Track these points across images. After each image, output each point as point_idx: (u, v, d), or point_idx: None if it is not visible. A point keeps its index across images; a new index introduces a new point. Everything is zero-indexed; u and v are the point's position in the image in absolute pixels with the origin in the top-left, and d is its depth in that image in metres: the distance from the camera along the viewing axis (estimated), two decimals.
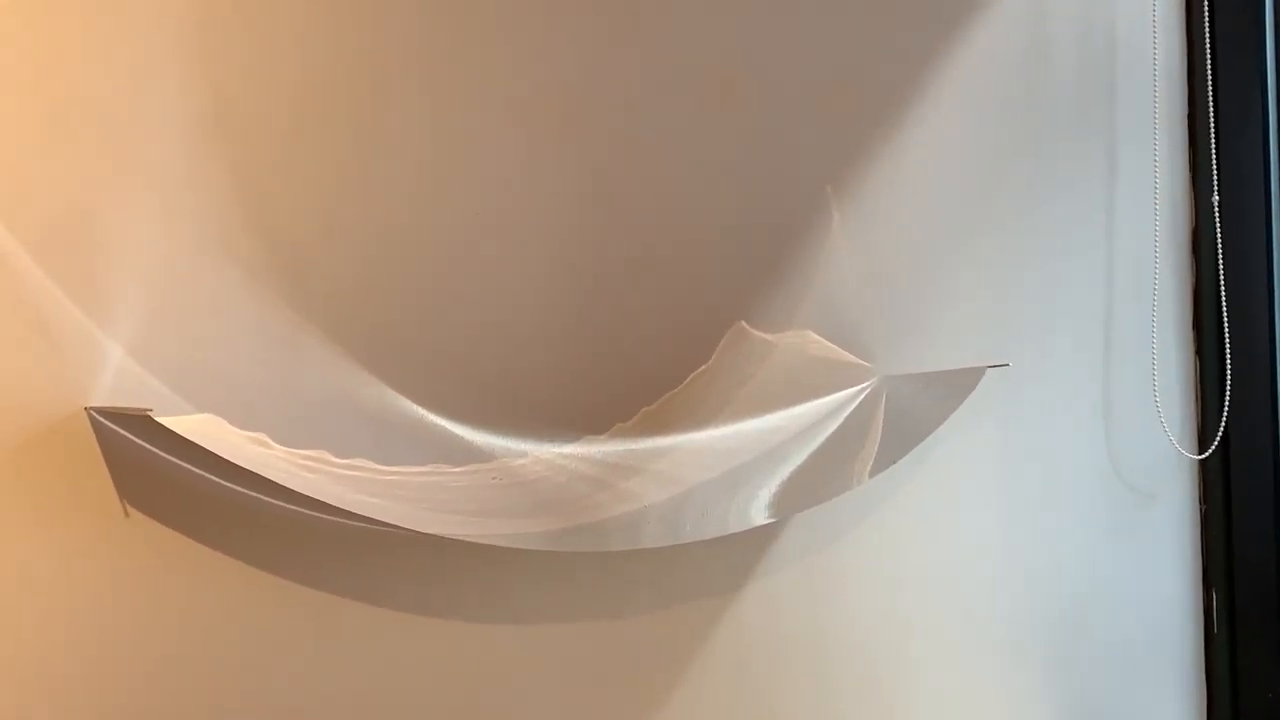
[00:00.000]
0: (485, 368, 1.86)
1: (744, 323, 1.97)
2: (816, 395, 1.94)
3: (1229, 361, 2.19)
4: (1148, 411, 2.19)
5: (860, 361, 1.99)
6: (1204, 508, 2.24)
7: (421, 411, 1.81)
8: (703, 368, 1.95)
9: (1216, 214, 2.17)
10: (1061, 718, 2.17)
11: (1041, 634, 2.16)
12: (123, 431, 1.65)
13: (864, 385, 1.96)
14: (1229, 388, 2.18)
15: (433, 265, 1.86)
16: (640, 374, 1.93)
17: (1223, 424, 2.18)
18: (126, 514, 1.66)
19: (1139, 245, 2.20)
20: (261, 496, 1.69)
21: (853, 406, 1.94)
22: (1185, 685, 2.25)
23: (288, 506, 1.69)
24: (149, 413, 1.60)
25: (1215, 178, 2.18)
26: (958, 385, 1.97)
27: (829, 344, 2.00)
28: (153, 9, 1.72)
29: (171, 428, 1.59)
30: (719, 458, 1.88)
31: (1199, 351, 2.24)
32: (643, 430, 1.90)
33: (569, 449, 1.86)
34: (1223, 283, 2.17)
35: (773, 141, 2.01)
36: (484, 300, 1.88)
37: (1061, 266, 2.17)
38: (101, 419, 1.64)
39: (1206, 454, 2.21)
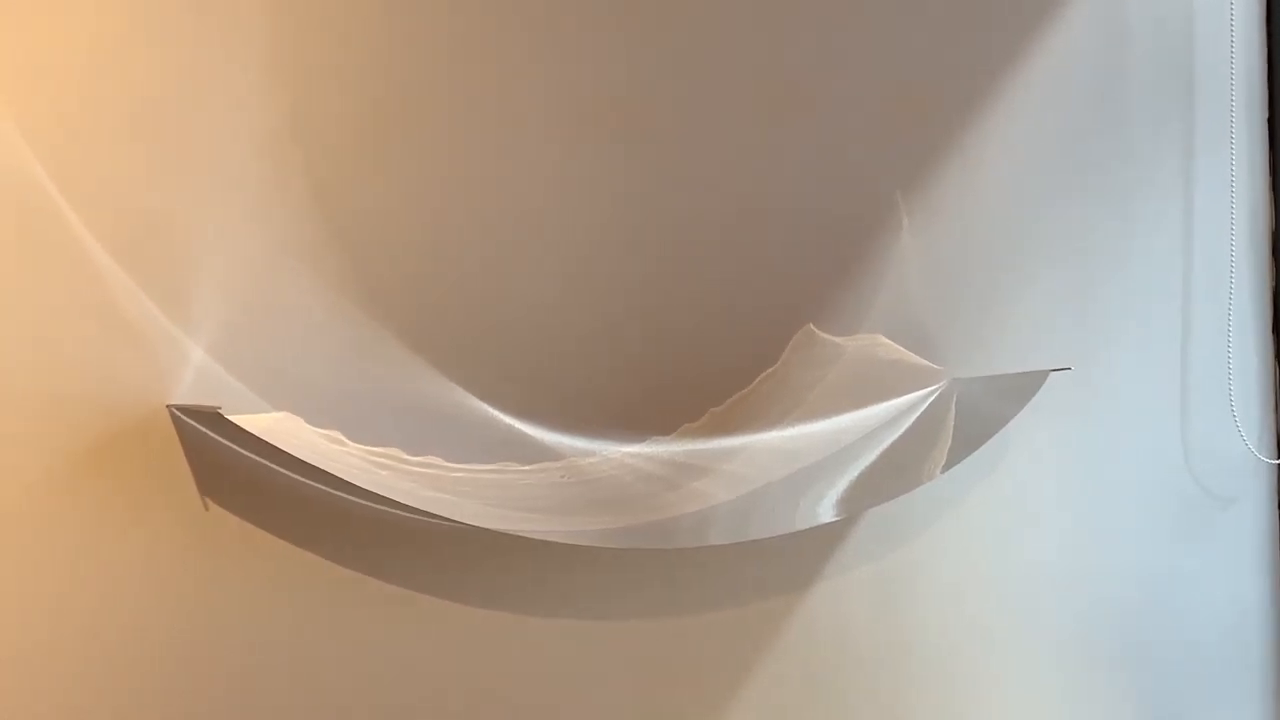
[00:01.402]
0: (554, 369, 1.87)
1: (813, 325, 1.97)
2: (886, 397, 1.94)
3: None
4: (1224, 415, 2.17)
5: (929, 364, 1.98)
6: (1279, 514, 2.22)
7: (491, 411, 1.82)
8: (771, 369, 1.95)
9: None
10: (1136, 715, 2.16)
11: (1112, 638, 2.14)
12: (202, 429, 1.66)
13: (933, 388, 1.95)
14: None
15: (502, 271, 1.86)
16: (708, 375, 1.93)
17: None
18: (206, 508, 1.68)
19: (1216, 248, 2.18)
20: (336, 492, 1.69)
21: (923, 408, 1.93)
22: (1260, 691, 2.23)
23: (360, 502, 1.70)
24: (218, 410, 1.61)
25: None
26: (1025, 387, 1.95)
27: (898, 346, 1.99)
28: (233, 32, 1.75)
29: (243, 426, 1.61)
30: (787, 458, 1.87)
31: (1278, 355, 2.23)
32: (710, 431, 1.89)
33: (637, 449, 1.87)
34: None
35: (842, 146, 2.01)
36: (554, 304, 1.88)
37: (1136, 269, 2.15)
38: (182, 416, 1.66)
39: None
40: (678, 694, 1.92)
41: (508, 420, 1.81)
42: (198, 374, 1.68)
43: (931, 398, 1.93)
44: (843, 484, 1.86)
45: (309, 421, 1.69)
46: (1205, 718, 2.19)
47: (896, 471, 1.89)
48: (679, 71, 1.93)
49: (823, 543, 1.95)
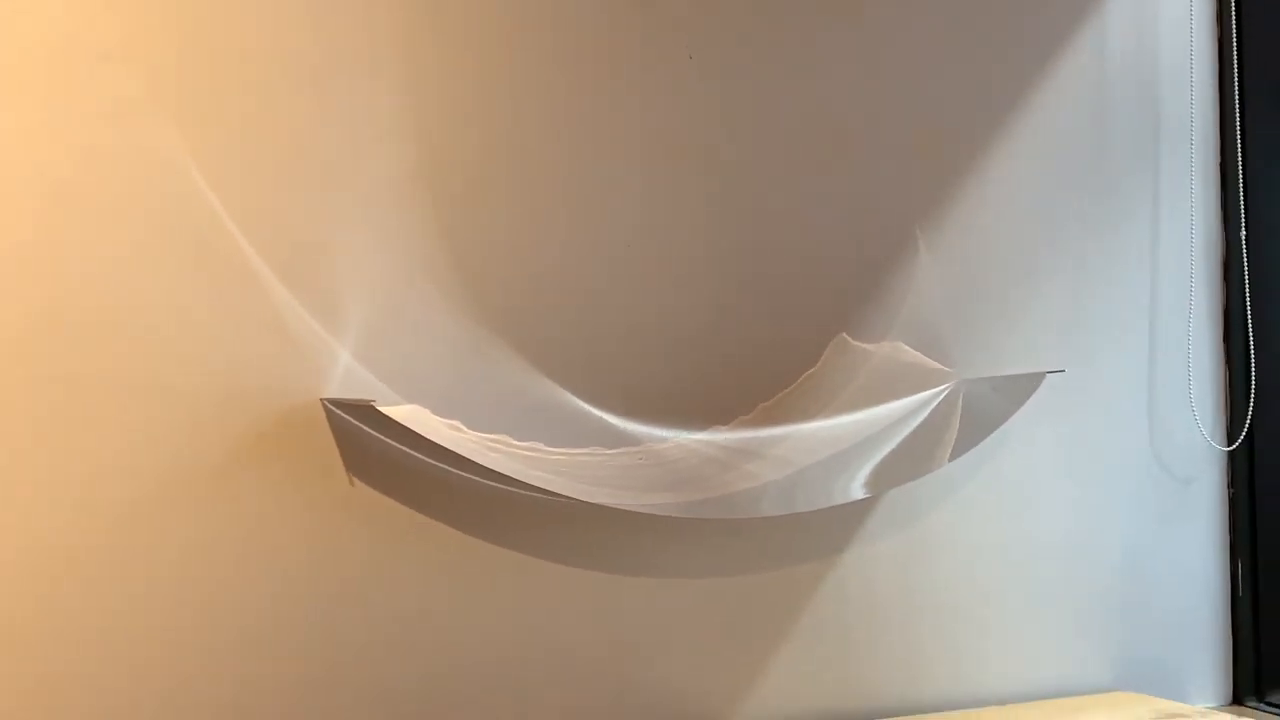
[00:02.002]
0: (633, 369, 1.87)
1: (846, 335, 1.97)
2: (906, 394, 1.93)
3: (1253, 369, 2.16)
4: (1184, 410, 2.17)
5: (942, 367, 1.98)
6: (1231, 491, 2.21)
7: (582, 404, 1.82)
8: (811, 370, 1.95)
9: (1244, 246, 2.16)
10: (1112, 667, 2.13)
11: (1094, 595, 2.13)
12: (348, 418, 1.67)
13: (945, 386, 1.94)
14: (1253, 391, 2.16)
15: (592, 287, 1.87)
16: (759, 375, 1.93)
17: (1248, 421, 2.16)
18: (351, 483, 1.70)
19: (1178, 271, 2.18)
20: (456, 471, 1.70)
21: (935, 404, 1.92)
22: (1215, 639, 2.20)
23: (476, 479, 1.71)
24: (372, 403, 1.63)
25: (1243, 217, 2.17)
26: (1022, 387, 1.95)
27: (917, 352, 1.99)
28: (374, 93, 1.76)
29: (388, 414, 1.63)
30: (825, 444, 1.86)
31: (1228, 361, 2.21)
32: (761, 422, 1.89)
33: (700, 436, 1.86)
34: (1248, 303, 2.16)
35: (870, 183, 2.01)
36: (632, 314, 1.88)
37: (1112, 288, 2.15)
38: (333, 408, 1.67)
39: (1234, 446, 2.19)
40: (733, 640, 1.91)
41: (596, 413, 1.82)
42: (345, 373, 1.70)
43: (942, 395, 1.93)
44: (870, 467, 1.86)
45: (435, 412, 1.71)
46: (1171, 660, 2.17)
47: (914, 458, 1.89)
48: (746, 126, 1.94)
49: (852, 517, 1.96)
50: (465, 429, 1.72)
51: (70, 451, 1.61)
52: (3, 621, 1.58)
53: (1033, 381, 1.93)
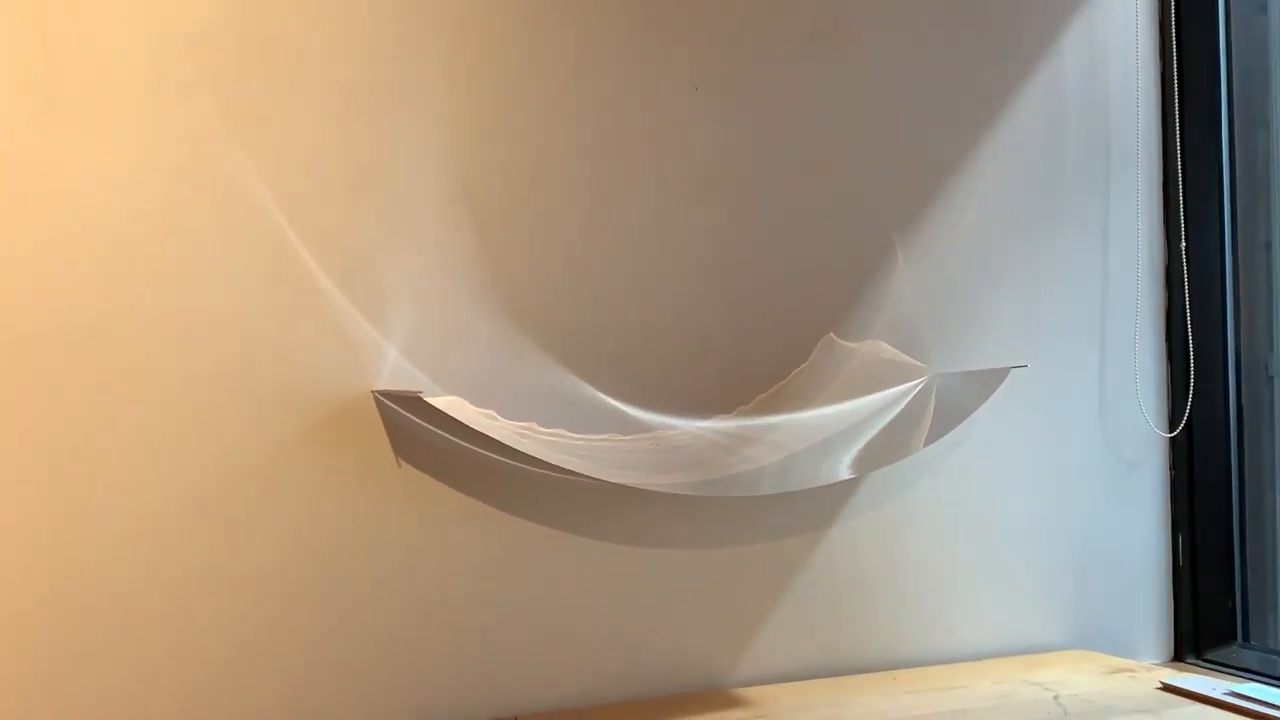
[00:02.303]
0: (646, 365, 1.89)
1: (833, 335, 1.99)
2: (886, 387, 1.93)
3: (1192, 366, 2.16)
4: (1131, 402, 2.18)
5: (918, 363, 1.98)
6: (1173, 473, 2.21)
7: (601, 396, 1.85)
8: (802, 366, 1.96)
9: (1184, 256, 2.16)
10: (1069, 626, 2.14)
11: (1053, 561, 2.14)
12: (396, 407, 1.71)
13: (920, 380, 1.94)
14: (1192, 385, 2.16)
15: (609, 293, 1.89)
16: (756, 370, 1.94)
17: (1187, 411, 2.16)
18: (399, 465, 1.73)
19: (1126, 278, 2.18)
20: (490, 454, 1.73)
21: (912, 395, 1.93)
22: (1159, 603, 2.21)
23: (508, 461, 1.74)
24: (420, 394, 1.66)
25: (1183, 229, 2.17)
26: (989, 380, 1.95)
27: (895, 350, 2.00)
28: (422, 122, 1.79)
29: (432, 404, 1.66)
30: (815, 431, 1.87)
31: (1170, 358, 2.21)
32: (758, 411, 1.90)
33: (705, 424, 1.87)
34: (1188, 307, 2.16)
35: (854, 201, 2.02)
36: (645, 317, 1.90)
37: (1068, 293, 2.15)
38: (382, 398, 1.71)
39: (1175, 433, 2.19)
40: (733, 603, 1.93)
41: (613, 403, 1.84)
42: (393, 368, 1.74)
43: (918, 388, 1.93)
44: (854, 451, 1.86)
45: (472, 403, 1.73)
46: (1121, 622, 2.17)
47: (893, 443, 1.89)
48: (746, 150, 1.95)
49: (839, 495, 1.97)
50: (499, 417, 1.75)
51: (159, 434, 1.63)
52: (92, 575, 1.60)
53: (998, 376, 1.93)
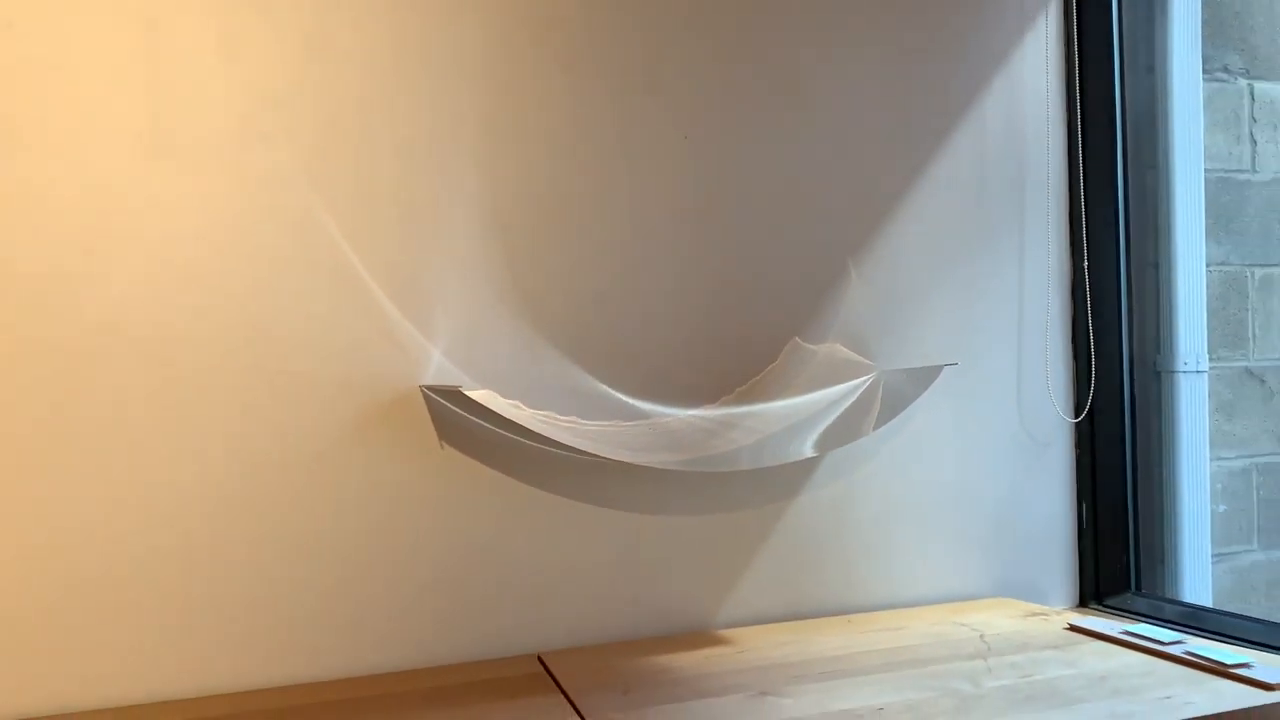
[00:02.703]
0: (645, 364, 1.93)
1: (798, 338, 2.03)
2: (841, 381, 1.96)
3: (1093, 363, 2.19)
4: (1043, 392, 2.22)
5: (868, 361, 2.03)
6: (1077, 451, 2.24)
7: (606, 388, 1.90)
8: (773, 364, 2.00)
9: (1085, 272, 2.20)
10: (991, 580, 2.18)
11: (980, 527, 2.19)
12: (439, 400, 1.75)
13: (870, 376, 1.98)
14: (1093, 379, 2.20)
15: (615, 304, 1.92)
16: (736, 368, 1.98)
17: (1089, 401, 2.20)
18: (442, 448, 1.78)
19: (1038, 290, 2.22)
20: (516, 438, 1.79)
21: (863, 388, 1.96)
22: (1067, 558, 2.25)
23: (531, 444, 1.80)
24: (460, 388, 1.72)
25: (1085, 250, 2.20)
26: (927, 375, 1.99)
27: (849, 351, 2.03)
28: (458, 158, 1.82)
29: (470, 396, 1.71)
30: (784, 418, 1.90)
31: (1075, 357, 2.25)
32: (737, 401, 1.94)
33: (693, 412, 1.92)
34: (1089, 315, 2.19)
35: (814, 227, 2.05)
36: (645, 323, 1.94)
37: (991, 303, 2.19)
38: (428, 392, 1.75)
39: (1079, 419, 2.23)
40: (717, 559, 1.98)
41: (618, 395, 1.89)
42: (437, 368, 1.79)
43: (868, 382, 1.96)
44: (816, 434, 1.90)
45: (502, 395, 1.79)
46: (1035, 574, 2.19)
47: (848, 427, 1.92)
48: (728, 186, 1.99)
49: (804, 470, 2.02)
50: (524, 407, 1.80)
51: (250, 421, 1.69)
52: (194, 536, 1.66)
53: (934, 372, 1.98)
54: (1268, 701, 1.50)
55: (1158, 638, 1.80)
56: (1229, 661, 1.65)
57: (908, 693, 1.56)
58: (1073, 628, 1.91)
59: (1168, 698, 1.52)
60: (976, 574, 2.17)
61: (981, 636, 1.86)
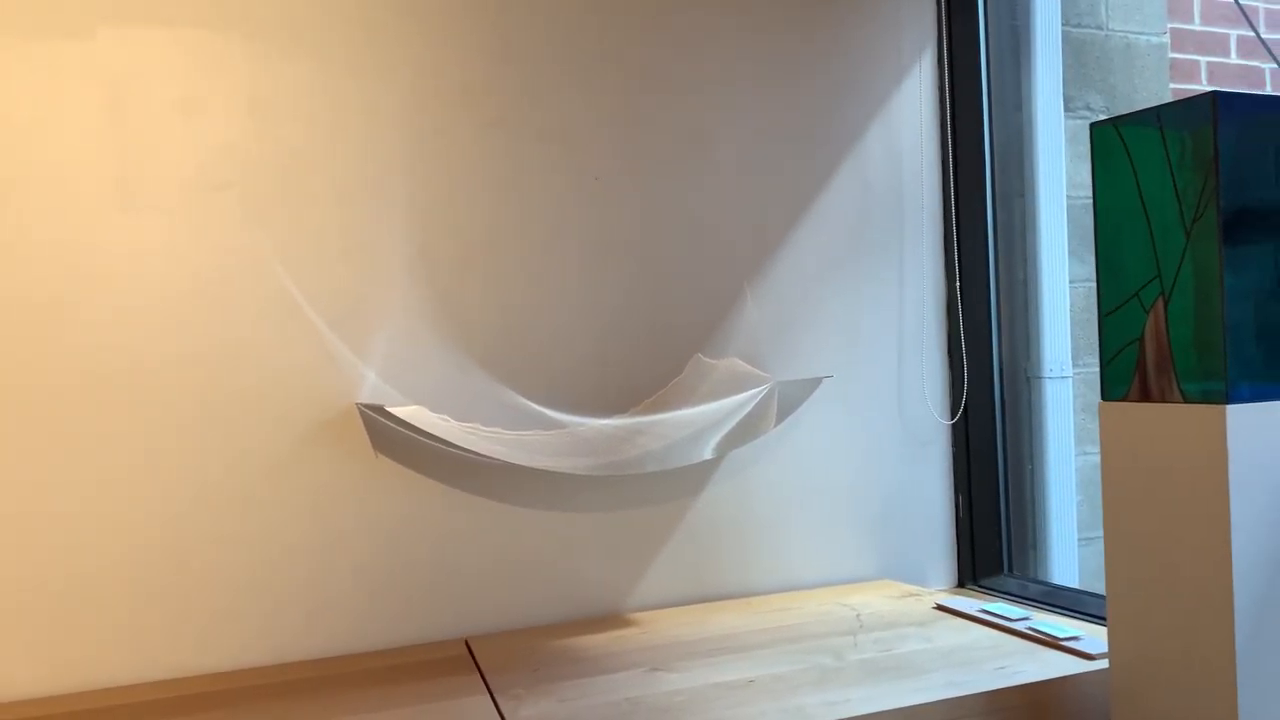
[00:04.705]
0: (563, 379, 2.00)
1: (700, 354, 2.10)
2: (739, 391, 2.02)
3: (966, 371, 2.27)
4: (921, 398, 2.30)
5: (763, 374, 2.08)
6: (954, 449, 2.32)
7: (528, 402, 1.96)
8: (678, 378, 2.07)
9: (959, 292, 2.28)
10: (878, 564, 2.25)
11: (867, 518, 2.25)
12: (373, 415, 1.83)
13: (765, 386, 2.03)
14: (966, 385, 2.28)
15: (534, 326, 1.99)
16: (644, 381, 2.05)
17: (963, 405, 2.29)
18: (376, 457, 1.87)
19: (917, 308, 2.29)
20: (444, 447, 1.84)
21: (759, 397, 2.02)
22: (946, 545, 2.32)
23: (458, 451, 1.83)
24: (383, 406, 1.80)
25: (958, 274, 2.28)
26: (810, 384, 2.08)
27: (746, 364, 2.10)
28: (388, 201, 1.88)
29: (395, 413, 1.78)
30: (688, 425, 1.96)
31: (950, 366, 2.32)
32: (645, 411, 2.01)
33: (605, 421, 1.98)
34: (962, 329, 2.27)
35: (715, 256, 2.13)
36: (562, 343, 2.00)
37: (874, 321, 2.25)
38: (363, 408, 1.83)
39: (954, 421, 2.31)
40: (628, 550, 2.05)
41: (536, 407, 1.96)
42: (372, 386, 1.86)
43: (763, 392, 2.01)
44: (717, 438, 1.95)
45: (431, 410, 1.85)
46: (917, 559, 2.26)
47: (745, 431, 1.99)
48: (635, 222, 2.06)
49: (706, 469, 2.09)
50: (451, 420, 1.85)
51: (202, 438, 1.76)
52: (157, 542, 1.73)
53: (816, 381, 2.07)
54: (1088, 669, 1.62)
55: (1008, 615, 1.90)
56: (1061, 636, 1.78)
57: (780, 666, 1.66)
58: (939, 607, 1.99)
59: (1002, 668, 1.63)
60: (865, 559, 2.23)
61: (858, 615, 1.95)
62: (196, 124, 1.75)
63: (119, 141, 1.71)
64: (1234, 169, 1.32)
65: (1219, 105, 1.32)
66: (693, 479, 2.07)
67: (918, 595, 2.11)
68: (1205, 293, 1.33)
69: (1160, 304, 1.40)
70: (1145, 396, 1.42)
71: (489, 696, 1.57)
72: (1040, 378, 2.30)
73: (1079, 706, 1.56)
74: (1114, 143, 1.47)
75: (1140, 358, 1.43)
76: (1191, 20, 2.80)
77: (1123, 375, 1.46)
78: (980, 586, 2.27)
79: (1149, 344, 1.42)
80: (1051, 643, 1.75)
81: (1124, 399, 1.45)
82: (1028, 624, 1.84)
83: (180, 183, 1.75)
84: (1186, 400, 1.36)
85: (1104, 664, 1.57)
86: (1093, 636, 1.74)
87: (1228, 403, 1.30)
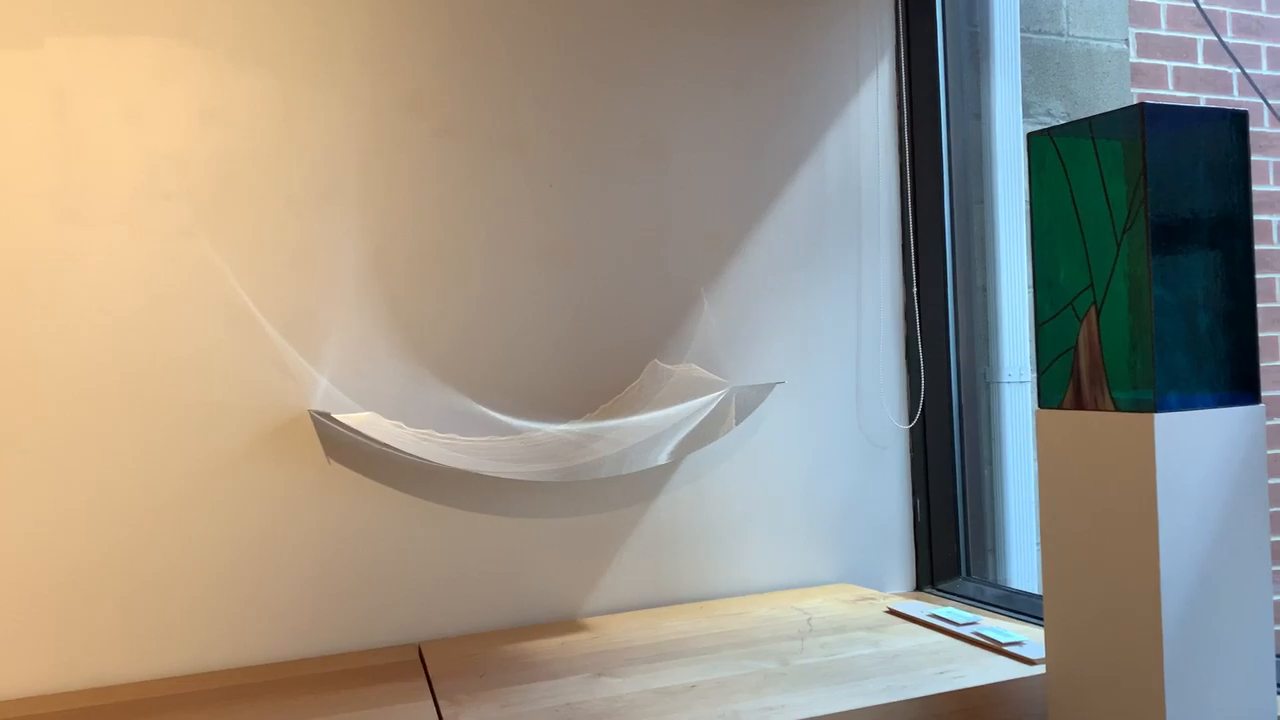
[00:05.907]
0: (518, 385, 1.99)
1: (657, 360, 2.10)
2: (695, 397, 2.02)
3: (923, 376, 2.26)
4: (879, 403, 2.29)
5: (720, 379, 2.09)
6: (911, 454, 2.32)
7: (482, 408, 1.96)
8: (634, 383, 2.07)
9: (916, 298, 2.28)
10: (836, 568, 2.25)
11: (825, 522, 2.25)
12: (326, 421, 1.81)
13: (721, 392, 2.04)
14: (923, 390, 2.27)
15: (489, 332, 1.98)
16: (600, 386, 2.05)
17: (920, 409, 2.29)
18: (329, 462, 1.87)
19: (875, 314, 2.28)
20: (398, 453, 1.80)
21: (715, 403, 2.02)
22: (904, 549, 2.32)
23: (412, 458, 1.81)
24: (330, 413, 1.79)
25: (915, 278, 2.29)
26: (765, 389, 2.07)
27: (703, 370, 2.10)
28: (340, 211, 1.88)
29: (345, 421, 1.77)
30: (643, 430, 1.95)
31: (908, 371, 2.32)
32: (600, 417, 2.00)
33: (561, 427, 1.98)
34: (920, 335, 2.27)
35: (674, 263, 2.13)
36: (518, 350, 2.00)
37: (833, 325, 2.25)
38: (316, 415, 1.83)
39: (911, 425, 2.31)
40: (585, 555, 2.04)
41: (492, 413, 1.96)
42: (324, 393, 1.86)
43: (720, 397, 2.01)
44: (674, 443, 1.94)
45: (385, 416, 1.86)
46: (874, 563, 2.28)
47: (702, 436, 1.97)
48: (593, 229, 2.05)
49: (663, 474, 2.09)
50: (405, 426, 1.86)
51: (158, 445, 1.76)
52: (102, 551, 1.73)
53: (769, 387, 2.06)
54: (1028, 674, 1.62)
55: (955, 619, 1.89)
56: (1004, 640, 1.77)
57: (723, 671, 1.65)
58: (891, 611, 1.98)
59: (942, 673, 1.62)
60: (823, 563, 2.23)
61: (809, 620, 1.93)
62: (146, 133, 1.75)
63: (65, 151, 1.70)
64: (1163, 180, 1.32)
65: (1147, 116, 1.32)
66: (650, 484, 2.07)
67: (872, 599, 2.09)
68: (1136, 302, 1.33)
69: (1093, 313, 1.40)
70: (1079, 404, 1.42)
71: (432, 702, 1.57)
72: (999, 382, 2.30)
73: (1017, 711, 1.56)
74: (1049, 152, 1.47)
75: (1075, 366, 1.43)
76: (1158, 25, 2.80)
77: (1058, 383, 1.46)
78: (937, 590, 2.27)
79: (1082, 353, 1.42)
80: (995, 648, 1.75)
81: (1059, 407, 1.45)
82: (974, 629, 1.84)
83: (129, 192, 1.74)
84: (1118, 409, 1.36)
85: (1044, 669, 1.54)
86: (1037, 642, 1.74)
87: (1156, 411, 1.29)
